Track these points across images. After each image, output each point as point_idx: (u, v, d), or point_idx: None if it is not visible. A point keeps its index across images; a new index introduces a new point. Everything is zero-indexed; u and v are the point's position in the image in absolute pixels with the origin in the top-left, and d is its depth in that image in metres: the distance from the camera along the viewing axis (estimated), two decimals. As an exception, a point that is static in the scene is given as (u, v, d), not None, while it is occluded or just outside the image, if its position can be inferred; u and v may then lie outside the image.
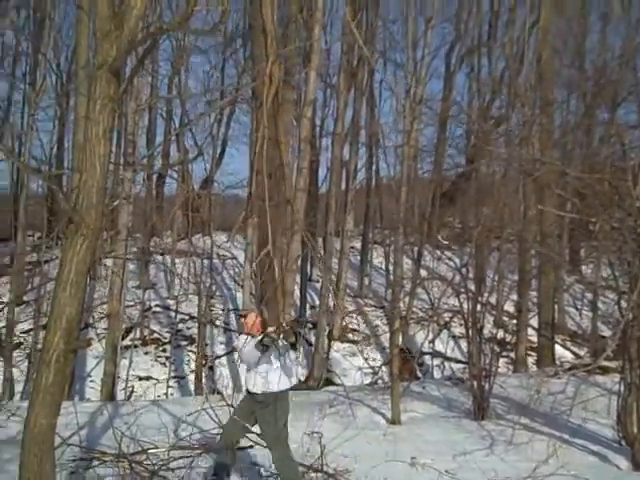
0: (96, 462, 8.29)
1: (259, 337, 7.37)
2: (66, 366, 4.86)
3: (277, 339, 7.28)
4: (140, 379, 19.69)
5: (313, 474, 8.03)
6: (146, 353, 21.00)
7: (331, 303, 21.01)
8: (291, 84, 15.48)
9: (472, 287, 12.72)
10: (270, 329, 7.45)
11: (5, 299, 21.35)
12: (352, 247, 26.22)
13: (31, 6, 25.10)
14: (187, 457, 8.45)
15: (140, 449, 8.48)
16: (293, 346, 7.45)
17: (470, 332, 12.08)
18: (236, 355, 6.82)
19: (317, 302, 22.85)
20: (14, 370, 17.61)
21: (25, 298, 22.51)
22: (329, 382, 19.48)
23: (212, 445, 8.62)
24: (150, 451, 8.48)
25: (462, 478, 7.92)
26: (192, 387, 19.72)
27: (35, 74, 25.27)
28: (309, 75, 15.11)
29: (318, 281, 24.81)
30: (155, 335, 22.10)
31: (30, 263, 24.17)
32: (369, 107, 25.97)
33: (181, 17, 5.19)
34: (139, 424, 9.69)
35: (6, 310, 19.83)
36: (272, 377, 7.37)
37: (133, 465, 7.98)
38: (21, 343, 20.42)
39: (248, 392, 7.58)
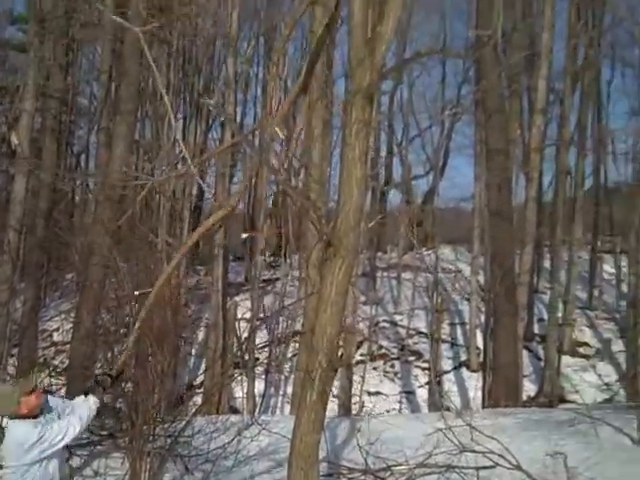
0: (343, 478, 8.47)
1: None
2: (328, 384, 4.97)
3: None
4: (369, 394, 19.97)
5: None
6: (374, 368, 21.28)
7: (560, 316, 20.31)
8: (518, 93, 15.20)
9: None
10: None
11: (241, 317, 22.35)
12: (580, 257, 25.19)
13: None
14: (431, 474, 8.40)
15: (385, 466, 8.56)
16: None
17: None
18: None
19: (545, 315, 22.15)
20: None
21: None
22: (561, 399, 18.85)
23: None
24: (394, 468, 8.54)
25: None
26: (421, 402, 19.77)
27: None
28: (538, 83, 14.75)
29: (545, 293, 24.07)
30: (383, 350, 22.35)
31: (263, 281, 25.25)
32: (595, 110, 24.92)
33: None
34: (379, 440, 9.72)
35: (244, 328, 20.79)
36: None
37: (378, 481, 8.12)
38: (257, 359, 21.38)
39: None
